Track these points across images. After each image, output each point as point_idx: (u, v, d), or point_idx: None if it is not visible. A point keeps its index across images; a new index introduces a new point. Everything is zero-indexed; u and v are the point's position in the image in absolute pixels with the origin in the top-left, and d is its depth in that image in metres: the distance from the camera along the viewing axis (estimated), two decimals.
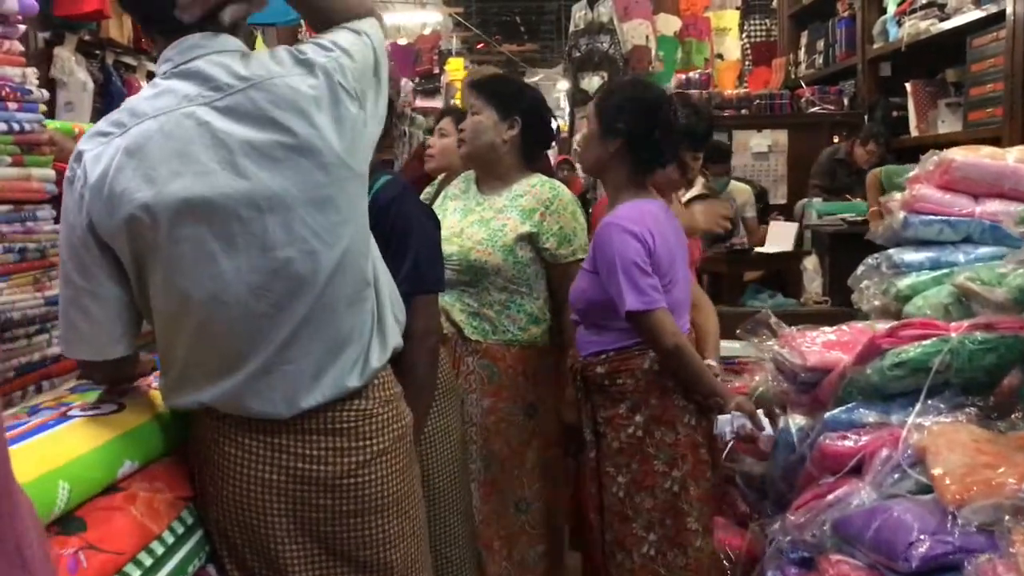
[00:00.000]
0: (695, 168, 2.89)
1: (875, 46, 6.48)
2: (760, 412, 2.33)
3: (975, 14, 5.00)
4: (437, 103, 12.18)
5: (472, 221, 2.71)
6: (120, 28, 4.83)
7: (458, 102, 15.68)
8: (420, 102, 11.88)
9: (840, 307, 4.92)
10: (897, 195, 2.82)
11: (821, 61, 7.53)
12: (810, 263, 5.07)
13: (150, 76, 5.45)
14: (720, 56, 9.87)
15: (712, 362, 2.48)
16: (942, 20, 5.40)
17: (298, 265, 1.51)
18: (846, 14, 7.03)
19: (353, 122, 1.55)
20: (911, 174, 2.85)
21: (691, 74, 7.95)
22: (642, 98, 2.45)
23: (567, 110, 11.97)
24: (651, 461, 2.37)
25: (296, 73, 1.52)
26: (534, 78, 18.82)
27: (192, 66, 1.51)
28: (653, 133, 2.39)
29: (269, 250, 1.49)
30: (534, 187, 2.72)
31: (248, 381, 1.53)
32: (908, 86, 6.00)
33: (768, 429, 2.32)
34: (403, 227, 2.08)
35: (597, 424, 2.46)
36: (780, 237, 5.44)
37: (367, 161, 1.60)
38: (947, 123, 5.60)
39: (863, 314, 2.82)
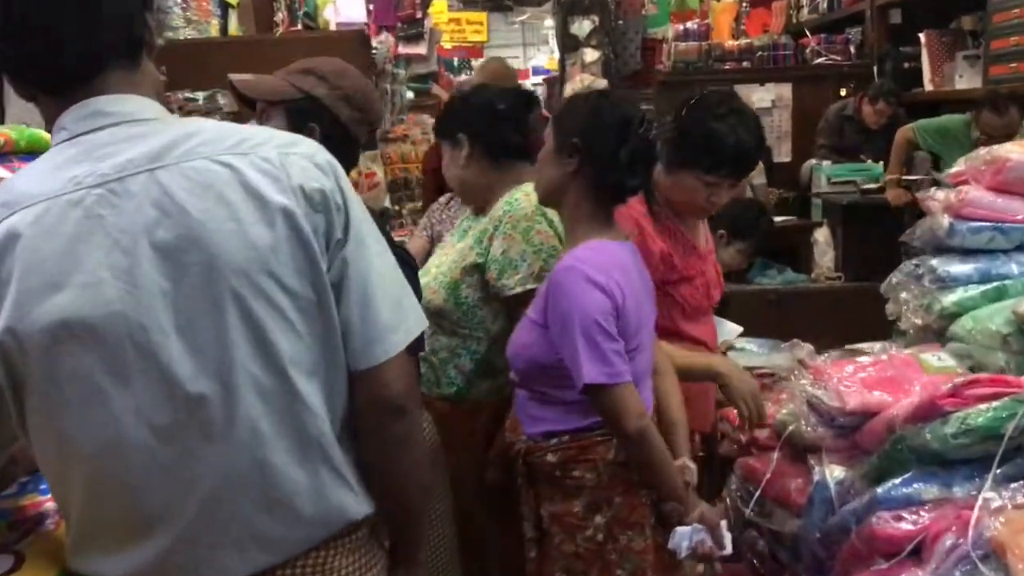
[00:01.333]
0: (729, 194, 2.34)
1: None
2: (724, 525, 1.94)
3: None
4: (421, 49, 11.68)
5: (456, 249, 2.35)
6: None
7: (446, 44, 15.14)
8: (403, 48, 11.35)
9: (854, 283, 4.65)
10: (939, 193, 2.48)
11: (825, 5, 7.09)
12: (821, 235, 4.76)
13: None
14: None
15: (689, 463, 1.98)
16: None
17: (214, 402, 1.17)
18: None
19: (298, 234, 1.20)
20: (954, 169, 2.52)
21: (688, 24, 7.52)
22: (606, 110, 1.97)
23: (557, 53, 11.52)
24: (614, 570, 1.91)
25: (229, 152, 1.19)
26: (520, 17, 18.26)
27: (91, 138, 1.17)
28: (618, 153, 1.91)
29: (176, 383, 1.15)
30: (500, 204, 2.29)
31: (164, 555, 1.19)
32: (922, 36, 5.61)
33: (729, 547, 1.94)
34: None
35: (541, 519, 1.99)
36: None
37: (319, 278, 1.22)
38: (965, 77, 5.23)
39: (899, 333, 2.51)
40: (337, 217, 1.22)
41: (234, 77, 1.95)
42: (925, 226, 2.49)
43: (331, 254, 1.22)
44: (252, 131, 1.25)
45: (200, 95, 4.96)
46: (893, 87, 5.60)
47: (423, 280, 2.23)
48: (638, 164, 1.93)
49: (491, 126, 2.31)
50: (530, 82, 19.22)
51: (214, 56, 5.56)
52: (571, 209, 1.98)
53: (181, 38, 6.26)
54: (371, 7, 10.81)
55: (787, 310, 4.45)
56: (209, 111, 4.84)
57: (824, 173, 5.26)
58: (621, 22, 9.38)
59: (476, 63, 18.83)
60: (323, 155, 1.26)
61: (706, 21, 7.91)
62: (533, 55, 24.38)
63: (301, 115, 1.89)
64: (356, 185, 5.32)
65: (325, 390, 1.23)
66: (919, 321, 2.38)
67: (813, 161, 5.63)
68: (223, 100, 4.98)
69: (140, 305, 1.13)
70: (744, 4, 9.17)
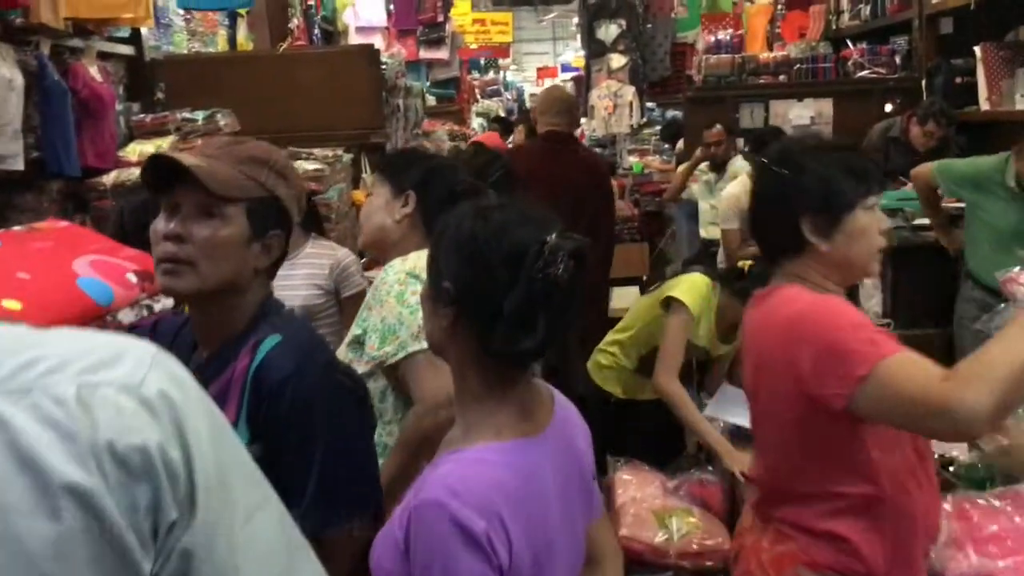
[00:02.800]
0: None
1: None
2: None
3: None
4: (443, 53, 11.37)
5: None
6: (54, 10, 4.08)
7: (472, 44, 14.72)
8: (424, 53, 11.09)
9: (904, 330, 4.20)
10: None
11: (868, 12, 6.64)
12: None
13: (103, 56, 4.73)
14: None
15: None
16: None
17: None
18: None
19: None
20: None
21: (720, 35, 7.08)
22: (488, 240, 1.32)
23: (584, 53, 11.12)
24: None
25: (13, 390, 0.73)
26: (548, 15, 17.86)
27: None
28: (503, 304, 1.28)
29: None
30: (381, 273, 2.18)
31: None
32: (977, 50, 5.14)
33: None
34: (303, 424, 1.40)
35: None
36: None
37: None
38: None
39: (976, 448, 2.10)
40: (171, 486, 0.76)
41: (188, 161, 1.49)
42: (1008, 316, 2.07)
43: (161, 544, 0.75)
44: (46, 346, 0.77)
45: (200, 115, 4.62)
46: (944, 107, 5.13)
47: None
48: (536, 316, 1.28)
49: (446, 203, 2.00)
50: (559, 80, 18.87)
51: (218, 72, 5.25)
52: (457, 378, 1.40)
53: (184, 51, 5.97)
54: (391, 8, 10.52)
55: None
56: (208, 132, 4.52)
57: None
58: (650, 26, 8.99)
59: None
60: (157, 380, 0.77)
61: (739, 32, 7.46)
62: (562, 51, 23.99)
63: (263, 218, 1.55)
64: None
65: None
66: (1005, 441, 1.97)
67: None
68: (223, 120, 4.66)
69: None
70: (779, 6, 8.73)
